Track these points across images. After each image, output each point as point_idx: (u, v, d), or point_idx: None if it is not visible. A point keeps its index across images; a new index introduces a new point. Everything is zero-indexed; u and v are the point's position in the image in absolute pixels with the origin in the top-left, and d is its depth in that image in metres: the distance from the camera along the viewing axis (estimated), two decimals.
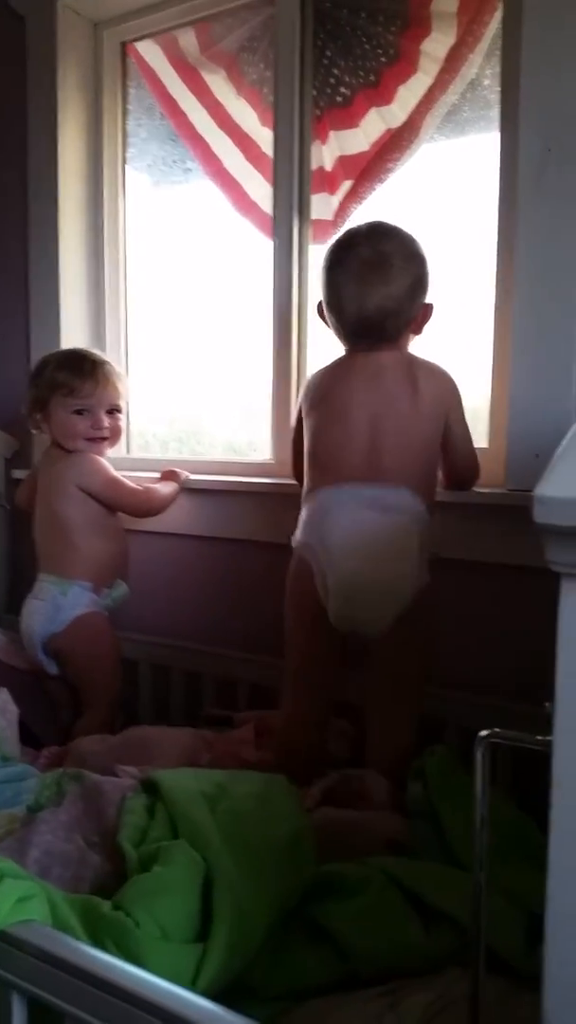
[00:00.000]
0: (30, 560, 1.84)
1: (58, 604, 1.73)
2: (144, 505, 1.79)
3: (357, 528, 1.40)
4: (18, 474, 2.13)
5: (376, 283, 1.42)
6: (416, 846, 1.23)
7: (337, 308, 1.47)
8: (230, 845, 1.07)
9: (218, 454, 2.08)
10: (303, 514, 1.50)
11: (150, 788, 1.22)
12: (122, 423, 1.83)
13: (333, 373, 1.50)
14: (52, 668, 1.77)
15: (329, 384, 1.49)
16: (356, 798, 1.32)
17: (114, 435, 1.80)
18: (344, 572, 1.41)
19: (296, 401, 1.84)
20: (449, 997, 0.97)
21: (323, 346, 1.87)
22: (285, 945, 1.05)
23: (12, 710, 1.57)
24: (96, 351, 1.86)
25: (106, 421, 1.77)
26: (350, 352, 1.51)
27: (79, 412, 1.75)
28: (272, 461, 1.90)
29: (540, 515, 0.61)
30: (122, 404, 1.83)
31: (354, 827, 1.24)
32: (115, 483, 1.77)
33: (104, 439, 1.79)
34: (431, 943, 1.05)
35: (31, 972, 0.86)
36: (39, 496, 1.82)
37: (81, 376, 1.74)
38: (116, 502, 1.78)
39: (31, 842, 1.14)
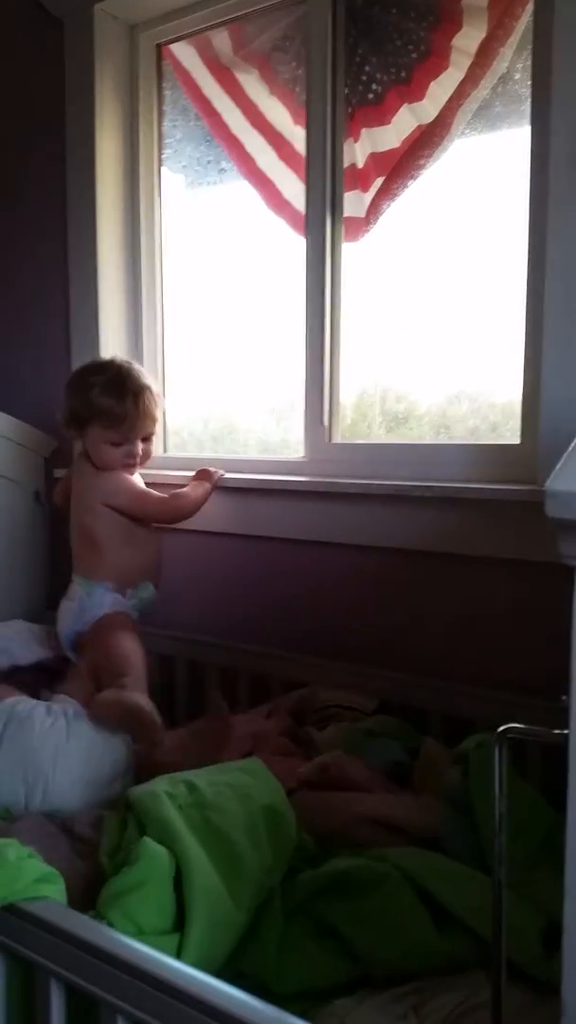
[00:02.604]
0: (69, 558, 1.87)
1: (84, 605, 1.77)
2: (171, 512, 1.81)
3: None
4: (58, 472, 2.16)
5: None
6: (444, 835, 1.23)
7: None
8: (199, 833, 1.10)
9: (252, 453, 2.09)
10: None
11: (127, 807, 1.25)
12: (154, 446, 1.83)
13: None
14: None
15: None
16: (338, 783, 1.34)
17: (144, 459, 1.82)
18: None
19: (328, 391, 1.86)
20: (474, 1000, 0.96)
21: (356, 343, 1.88)
22: (295, 943, 1.06)
23: None
24: (136, 368, 1.81)
25: (140, 449, 1.78)
26: None
27: (116, 444, 1.76)
28: (305, 459, 1.91)
29: (552, 509, 0.61)
30: (156, 428, 1.83)
31: (328, 805, 1.27)
32: (141, 497, 1.79)
33: (134, 465, 1.81)
34: (446, 944, 1.05)
35: (65, 957, 0.89)
36: (72, 503, 1.85)
37: (123, 409, 1.73)
38: (144, 514, 1.80)
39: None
